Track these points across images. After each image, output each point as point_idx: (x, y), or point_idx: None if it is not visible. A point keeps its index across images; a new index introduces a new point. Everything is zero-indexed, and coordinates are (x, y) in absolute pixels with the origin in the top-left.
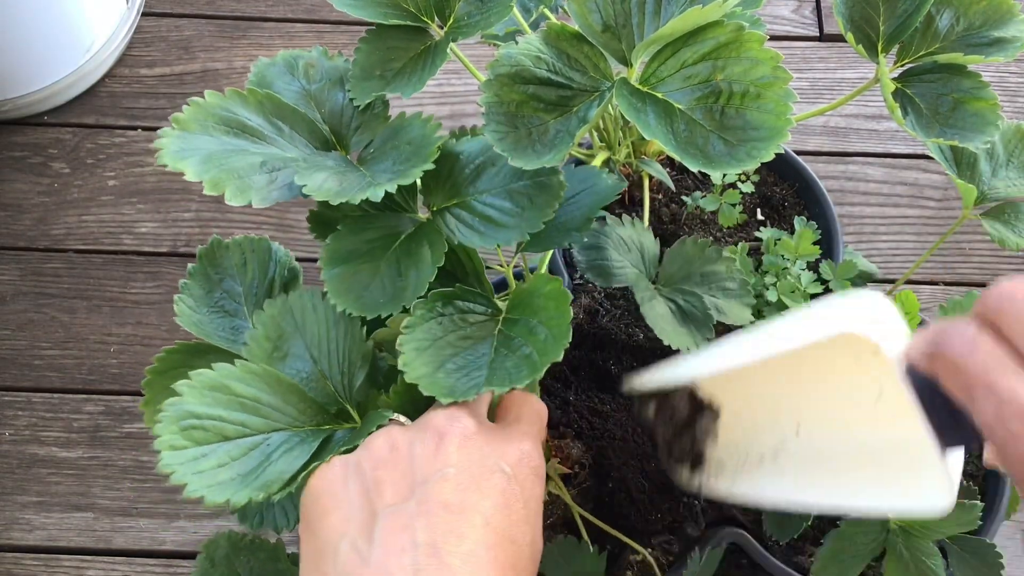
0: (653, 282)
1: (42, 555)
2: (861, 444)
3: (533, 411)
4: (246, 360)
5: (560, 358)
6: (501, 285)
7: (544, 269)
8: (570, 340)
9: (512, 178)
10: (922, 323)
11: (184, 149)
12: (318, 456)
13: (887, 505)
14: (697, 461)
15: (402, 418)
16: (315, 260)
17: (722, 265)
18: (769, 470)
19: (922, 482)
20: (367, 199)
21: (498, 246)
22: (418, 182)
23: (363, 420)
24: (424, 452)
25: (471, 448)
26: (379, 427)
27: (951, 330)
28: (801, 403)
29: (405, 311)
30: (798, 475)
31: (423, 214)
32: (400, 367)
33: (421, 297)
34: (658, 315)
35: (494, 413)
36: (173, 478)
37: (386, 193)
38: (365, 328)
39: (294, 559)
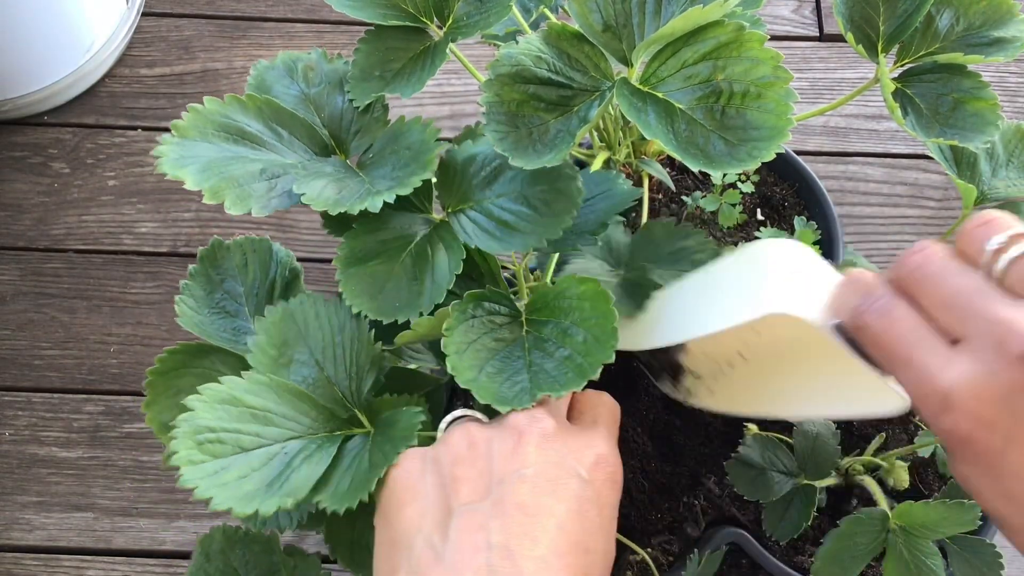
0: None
1: (42, 555)
2: (813, 368)
3: (609, 412)
4: (250, 364)
5: (611, 359)
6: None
7: (551, 270)
8: (617, 341)
9: (530, 183)
10: None
11: (184, 157)
12: (338, 461)
13: (846, 412)
14: (676, 372)
15: (479, 415)
16: (316, 260)
17: (691, 240)
18: (738, 378)
19: (873, 394)
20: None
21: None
22: (433, 181)
23: (378, 422)
24: (502, 450)
25: (549, 450)
26: (451, 423)
27: (868, 299)
28: (753, 339)
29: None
30: (764, 385)
31: (438, 214)
32: (449, 371)
33: (456, 298)
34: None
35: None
36: (197, 493)
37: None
38: (374, 331)
39: (289, 551)
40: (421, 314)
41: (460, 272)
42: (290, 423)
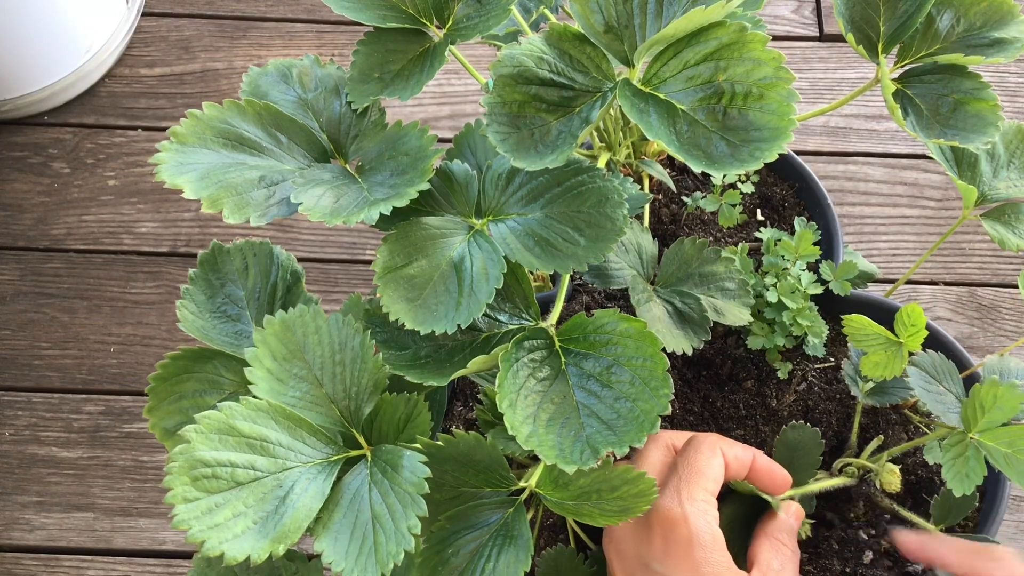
0: (652, 283)
1: (42, 555)
2: None
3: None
4: (250, 388)
5: (667, 411)
6: None
7: (567, 275)
8: (671, 389)
9: (576, 204)
10: (929, 332)
11: (183, 164)
12: (337, 496)
13: None
14: None
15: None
16: (316, 260)
17: (720, 265)
18: None
19: None
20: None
21: None
22: (478, 186)
23: (378, 451)
24: None
25: None
26: None
27: None
28: None
29: (463, 332)
30: None
31: (478, 220)
32: (510, 432)
33: (503, 344)
34: (654, 317)
35: None
36: (189, 535)
37: (439, 191)
38: (380, 355)
39: (289, 555)
40: (459, 327)
41: (501, 285)
42: (286, 451)
